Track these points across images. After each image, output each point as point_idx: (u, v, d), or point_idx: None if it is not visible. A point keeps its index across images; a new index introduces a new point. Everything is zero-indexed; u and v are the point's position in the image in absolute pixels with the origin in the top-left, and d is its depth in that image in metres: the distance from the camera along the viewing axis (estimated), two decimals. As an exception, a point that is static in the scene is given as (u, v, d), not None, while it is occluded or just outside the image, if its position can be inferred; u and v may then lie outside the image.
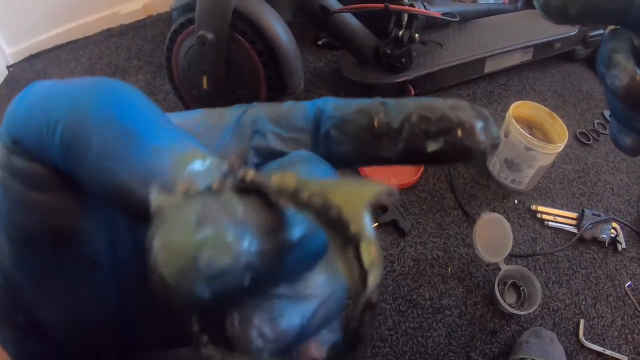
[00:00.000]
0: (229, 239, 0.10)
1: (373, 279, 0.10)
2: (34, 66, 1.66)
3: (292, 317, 0.13)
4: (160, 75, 1.51)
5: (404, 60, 1.27)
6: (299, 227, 0.12)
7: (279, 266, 0.12)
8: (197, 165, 0.12)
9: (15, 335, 0.18)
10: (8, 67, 1.68)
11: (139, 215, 0.12)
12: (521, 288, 0.98)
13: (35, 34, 1.70)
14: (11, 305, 0.17)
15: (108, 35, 1.76)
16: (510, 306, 0.93)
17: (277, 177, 0.11)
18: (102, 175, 0.12)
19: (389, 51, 1.26)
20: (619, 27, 0.23)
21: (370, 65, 1.32)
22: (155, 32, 1.72)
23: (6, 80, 1.63)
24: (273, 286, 0.13)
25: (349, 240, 0.10)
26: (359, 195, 0.10)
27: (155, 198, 0.11)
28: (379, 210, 1.09)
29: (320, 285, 0.14)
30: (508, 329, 0.94)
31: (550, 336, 0.89)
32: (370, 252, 0.10)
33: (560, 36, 1.41)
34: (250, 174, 0.12)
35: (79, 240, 0.16)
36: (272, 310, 0.13)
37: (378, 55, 1.28)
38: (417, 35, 1.25)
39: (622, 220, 1.11)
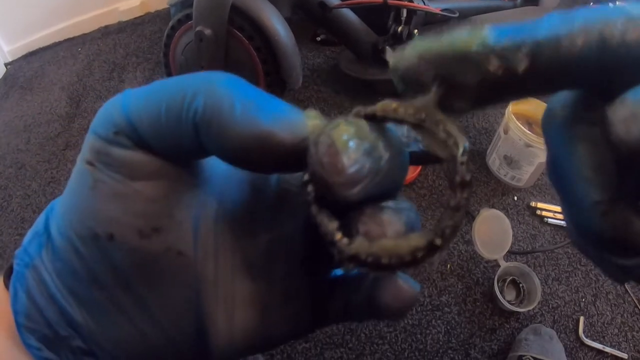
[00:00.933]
0: (381, 152, 0.14)
1: (462, 147, 0.13)
2: (31, 64, 1.66)
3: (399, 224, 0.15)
4: (159, 72, 1.50)
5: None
6: (412, 144, 0.16)
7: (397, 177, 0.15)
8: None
9: None
10: (6, 65, 1.67)
11: (280, 161, 0.14)
12: (520, 285, 0.97)
13: (33, 31, 1.70)
14: (67, 327, 0.18)
15: (106, 33, 1.75)
16: (509, 303, 0.93)
17: (380, 103, 0.14)
18: (248, 125, 0.14)
19: (387, 47, 1.25)
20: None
21: (369, 61, 1.32)
22: (153, 29, 1.71)
23: (4, 77, 1.62)
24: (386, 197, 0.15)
25: (443, 139, 0.13)
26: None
27: (310, 121, 0.14)
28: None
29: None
30: (507, 326, 0.94)
31: (550, 333, 0.88)
32: (459, 138, 0.13)
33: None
34: (361, 108, 0.15)
35: (167, 229, 0.17)
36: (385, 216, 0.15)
37: (377, 51, 1.28)
38: (416, 31, 1.24)
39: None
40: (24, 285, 0.18)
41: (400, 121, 0.14)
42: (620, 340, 0.93)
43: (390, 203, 0.15)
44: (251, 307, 0.19)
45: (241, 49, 1.14)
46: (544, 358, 0.83)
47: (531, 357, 0.83)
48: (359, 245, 0.14)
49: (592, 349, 0.91)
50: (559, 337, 0.90)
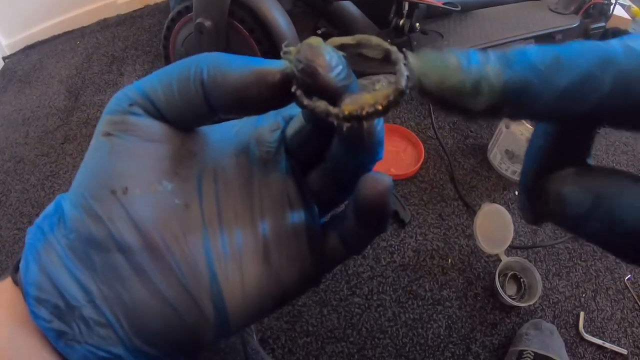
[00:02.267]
0: (340, 54, 0.18)
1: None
2: (30, 57, 1.64)
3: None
4: (158, 64, 1.49)
5: (404, 49, 1.25)
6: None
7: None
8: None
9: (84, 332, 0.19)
10: (4, 59, 1.65)
11: (272, 93, 0.18)
12: (521, 280, 0.97)
13: (31, 24, 1.68)
14: (81, 294, 0.18)
15: (105, 26, 1.73)
16: (510, 298, 0.93)
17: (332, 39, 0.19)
18: (244, 69, 0.18)
19: (389, 40, 1.24)
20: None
21: (371, 54, 1.31)
22: (153, 21, 1.69)
23: (2, 71, 1.60)
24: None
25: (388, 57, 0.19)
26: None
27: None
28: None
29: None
30: (508, 320, 0.94)
31: (550, 328, 0.89)
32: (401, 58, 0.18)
33: (561, 28, 1.39)
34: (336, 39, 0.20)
35: (175, 184, 0.19)
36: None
37: (378, 44, 1.27)
38: (417, 24, 1.23)
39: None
40: (36, 258, 0.19)
41: (342, 46, 0.19)
42: (620, 335, 0.93)
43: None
44: (256, 254, 0.20)
45: (242, 41, 1.13)
46: (544, 353, 0.83)
47: (532, 351, 0.84)
48: (348, 105, 0.17)
49: (592, 344, 0.91)
50: (559, 332, 0.90)
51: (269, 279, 0.20)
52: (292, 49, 0.18)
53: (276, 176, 0.21)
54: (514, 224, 0.96)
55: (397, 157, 1.20)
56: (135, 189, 0.19)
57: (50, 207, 0.20)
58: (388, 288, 0.97)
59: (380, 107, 0.17)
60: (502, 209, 0.97)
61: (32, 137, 1.34)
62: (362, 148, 0.20)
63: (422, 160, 1.17)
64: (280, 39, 1.12)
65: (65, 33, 1.71)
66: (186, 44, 1.17)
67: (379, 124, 0.20)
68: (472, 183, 1.16)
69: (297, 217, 0.21)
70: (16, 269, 0.20)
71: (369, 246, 1.02)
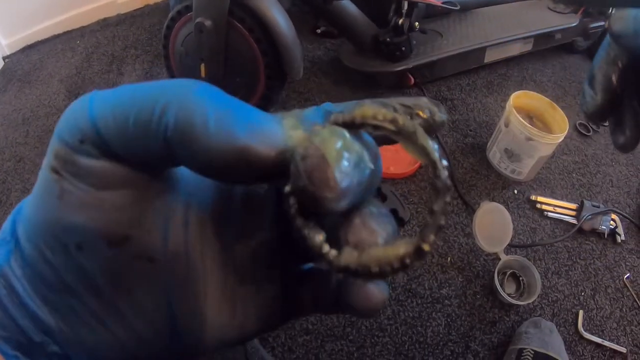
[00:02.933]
0: (367, 162, 0.14)
1: (440, 162, 0.14)
2: (30, 57, 1.64)
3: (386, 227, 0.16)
4: (158, 64, 1.49)
5: (403, 48, 1.25)
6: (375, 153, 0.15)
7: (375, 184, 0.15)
8: (304, 118, 0.16)
9: None
10: (4, 58, 1.65)
11: (258, 174, 0.14)
12: (520, 278, 0.97)
13: (31, 24, 1.68)
14: (41, 334, 0.17)
15: (104, 25, 1.73)
16: (509, 296, 0.93)
17: (359, 110, 0.14)
18: (224, 140, 0.14)
19: (388, 39, 1.24)
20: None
21: (370, 53, 1.31)
22: (153, 21, 1.70)
23: (2, 71, 1.60)
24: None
25: (418, 144, 0.14)
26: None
27: (291, 136, 0.14)
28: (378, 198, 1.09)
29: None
30: (507, 319, 0.94)
31: (550, 327, 0.89)
32: (434, 151, 0.14)
33: (561, 27, 1.40)
34: (339, 115, 0.15)
35: (137, 237, 0.16)
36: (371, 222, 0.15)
37: (377, 43, 1.27)
38: (417, 23, 1.23)
39: (621, 212, 1.11)
40: None
41: (377, 127, 0.14)
42: (619, 334, 0.93)
43: (372, 209, 0.16)
44: (224, 303, 0.19)
45: (241, 40, 1.13)
46: (544, 351, 0.83)
47: (532, 350, 0.84)
48: (349, 256, 0.14)
49: (591, 342, 0.92)
50: (559, 331, 0.90)
51: (232, 329, 0.19)
52: (294, 135, 0.14)
53: (258, 221, 0.19)
54: (513, 222, 0.96)
55: (396, 156, 1.20)
56: (90, 246, 0.16)
57: (5, 230, 0.18)
58: (387, 286, 0.97)
59: (389, 269, 0.13)
60: (501, 207, 0.97)
61: (32, 136, 1.34)
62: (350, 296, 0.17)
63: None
64: (279, 39, 1.12)
65: (65, 33, 1.70)
66: (186, 43, 1.17)
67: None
68: (471, 182, 1.16)
69: (271, 277, 0.20)
70: None
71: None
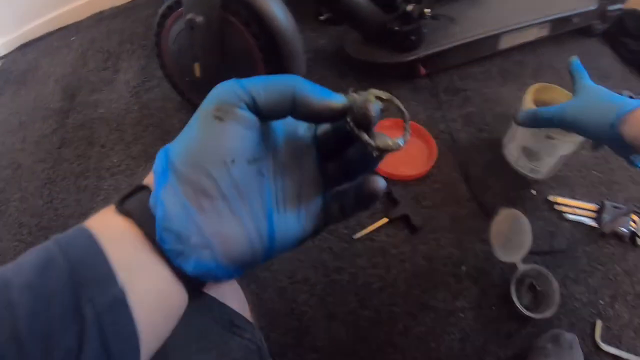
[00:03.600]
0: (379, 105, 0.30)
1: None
2: (26, 56, 1.59)
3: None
4: (154, 59, 1.40)
5: (413, 37, 1.17)
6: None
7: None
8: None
9: None
10: (0, 59, 1.60)
11: (334, 116, 0.29)
12: (538, 288, 0.93)
13: (26, 22, 1.63)
14: (192, 226, 0.28)
15: (100, 19, 1.66)
16: (526, 308, 0.89)
17: (371, 92, 0.30)
18: (321, 102, 0.28)
19: (397, 27, 1.16)
20: None
21: (377, 43, 1.22)
22: (149, 11, 1.61)
23: None
24: None
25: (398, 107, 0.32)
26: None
27: (346, 97, 0.29)
28: (389, 204, 1.04)
29: None
30: (524, 331, 0.90)
31: (570, 341, 0.85)
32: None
33: (578, 11, 1.29)
34: (373, 91, 0.30)
35: (260, 160, 0.29)
36: None
37: (385, 32, 1.18)
38: (427, 10, 1.14)
39: (643, 212, 1.04)
40: (161, 199, 0.28)
41: (381, 99, 0.30)
42: (637, 344, 0.89)
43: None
44: (294, 211, 0.31)
45: (237, 36, 1.05)
46: (562, 370, 0.80)
47: (549, 368, 0.80)
48: (379, 143, 0.29)
49: (608, 354, 0.88)
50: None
51: (297, 227, 0.32)
52: (354, 95, 0.29)
53: (309, 159, 0.33)
54: (531, 226, 0.91)
55: (407, 155, 1.13)
56: (239, 161, 0.28)
57: (158, 166, 0.29)
58: (399, 299, 0.94)
59: (394, 149, 0.29)
60: (520, 214, 0.92)
61: (29, 141, 1.30)
62: (374, 162, 0.33)
63: (434, 157, 1.11)
64: (278, 32, 1.04)
65: (60, 29, 1.64)
66: (178, 41, 1.09)
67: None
68: (487, 182, 1.10)
69: (319, 195, 0.33)
70: (121, 203, 0.29)
71: (379, 255, 0.98)
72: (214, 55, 1.06)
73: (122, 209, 0.29)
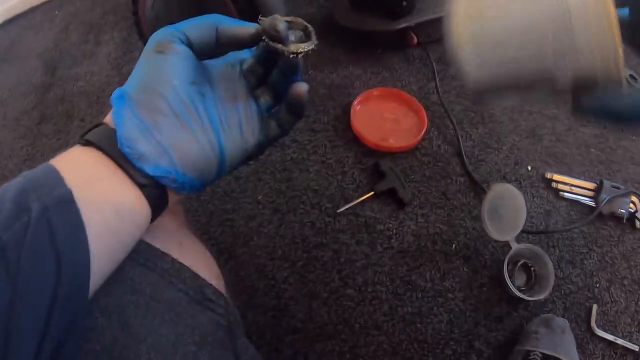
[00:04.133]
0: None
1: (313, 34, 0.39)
2: (9, 32, 1.54)
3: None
4: (135, 32, 1.37)
5: (404, 3, 1.10)
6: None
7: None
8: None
9: None
10: (-16, 35, 1.55)
11: (252, 41, 0.36)
12: (532, 269, 0.88)
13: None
14: (152, 138, 0.34)
15: (83, -9, 1.60)
16: (519, 289, 0.84)
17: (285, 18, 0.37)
18: (241, 30, 0.36)
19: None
20: None
21: (367, 10, 1.16)
22: (132, -19, 1.55)
23: (-18, 49, 1.51)
24: None
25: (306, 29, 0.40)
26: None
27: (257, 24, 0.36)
28: (376, 176, 0.99)
29: None
30: (515, 314, 0.86)
31: (562, 325, 0.80)
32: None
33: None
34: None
35: (199, 83, 0.36)
36: None
37: (375, -1, 1.11)
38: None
39: (642, 194, 0.98)
40: (121, 117, 0.32)
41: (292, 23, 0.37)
42: (633, 330, 0.85)
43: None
44: (236, 126, 0.38)
45: (216, 2, 1.00)
46: (553, 354, 0.75)
47: (540, 352, 0.76)
48: (292, 48, 0.35)
49: (603, 340, 0.83)
50: (570, 327, 0.81)
51: (242, 142, 0.38)
52: (264, 19, 0.35)
53: (241, 86, 0.39)
54: (526, 204, 0.85)
55: (396, 126, 1.08)
56: (182, 82, 0.33)
57: (117, 92, 0.33)
58: (384, 278, 0.89)
59: (305, 51, 0.36)
60: (515, 190, 0.86)
61: (9, 118, 1.26)
62: (294, 71, 0.39)
63: (424, 130, 1.05)
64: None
65: (44, 3, 1.59)
66: (156, 6, 1.04)
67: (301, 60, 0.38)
68: (480, 156, 1.04)
69: (255, 108, 0.40)
70: (81, 137, 0.34)
71: (364, 230, 0.93)
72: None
73: (82, 141, 0.33)
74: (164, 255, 0.38)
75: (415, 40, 1.16)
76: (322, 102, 1.14)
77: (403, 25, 1.12)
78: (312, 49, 0.36)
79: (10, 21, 1.58)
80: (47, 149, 1.16)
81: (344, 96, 1.14)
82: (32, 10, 1.59)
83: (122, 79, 1.25)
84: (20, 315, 0.26)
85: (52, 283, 0.27)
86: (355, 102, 1.09)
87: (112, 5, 1.49)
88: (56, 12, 1.55)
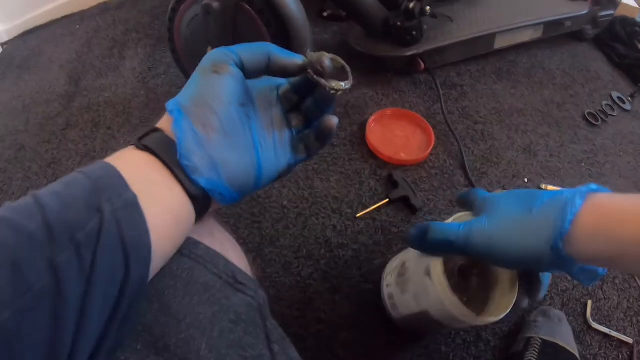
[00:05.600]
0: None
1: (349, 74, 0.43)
2: (28, 43, 1.59)
3: None
4: (160, 48, 1.45)
5: (414, 33, 1.23)
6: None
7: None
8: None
9: None
10: (2, 45, 1.60)
11: (297, 71, 0.40)
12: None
13: (30, 9, 1.64)
14: (203, 151, 0.37)
15: (105, 9, 1.68)
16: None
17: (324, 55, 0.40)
18: (289, 60, 0.39)
19: (399, 23, 1.22)
20: None
21: (380, 37, 1.28)
22: (154, 4, 1.65)
23: (0, 58, 1.56)
24: None
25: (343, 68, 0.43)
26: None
27: (303, 57, 0.40)
28: (390, 186, 1.08)
29: None
30: (517, 307, 0.94)
31: (559, 316, 0.89)
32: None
33: (571, 15, 1.37)
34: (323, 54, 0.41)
35: (245, 104, 0.39)
36: None
37: (388, 27, 1.24)
38: (428, 7, 1.20)
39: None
40: (181, 129, 0.35)
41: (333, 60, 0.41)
42: (626, 325, 0.94)
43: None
44: (272, 149, 0.41)
45: (250, 22, 1.10)
46: (552, 340, 0.84)
47: (540, 338, 0.84)
48: (334, 85, 0.39)
49: (599, 332, 0.92)
50: (568, 320, 0.90)
51: (275, 160, 0.41)
52: (311, 53, 0.39)
53: (277, 109, 0.43)
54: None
55: (406, 142, 1.19)
56: (234, 103, 0.37)
57: (174, 104, 0.36)
58: (399, 276, 0.97)
59: (344, 89, 0.40)
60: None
61: (32, 124, 1.31)
62: (328, 104, 0.43)
63: (432, 145, 1.16)
64: (289, 20, 1.09)
65: (64, 17, 1.66)
66: (192, 25, 1.13)
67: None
68: (482, 169, 1.16)
69: (288, 132, 0.43)
70: (138, 141, 0.36)
71: (380, 233, 1.02)
72: (227, 40, 1.10)
73: (140, 145, 0.35)
74: (197, 243, 0.40)
75: (423, 66, 1.29)
76: (339, 119, 1.25)
77: (412, 52, 1.24)
78: (349, 89, 0.40)
79: (29, 32, 1.64)
80: (73, 154, 1.21)
81: (358, 115, 1.25)
82: (52, 23, 1.66)
83: (149, 92, 1.32)
84: (92, 309, 0.28)
85: (120, 280, 0.29)
86: (370, 120, 1.20)
87: (135, 24, 1.57)
88: (77, 26, 1.62)
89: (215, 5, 1.04)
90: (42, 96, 1.38)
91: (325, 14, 1.48)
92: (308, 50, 0.40)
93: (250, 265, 0.52)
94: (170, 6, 1.14)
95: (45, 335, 0.25)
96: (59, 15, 1.66)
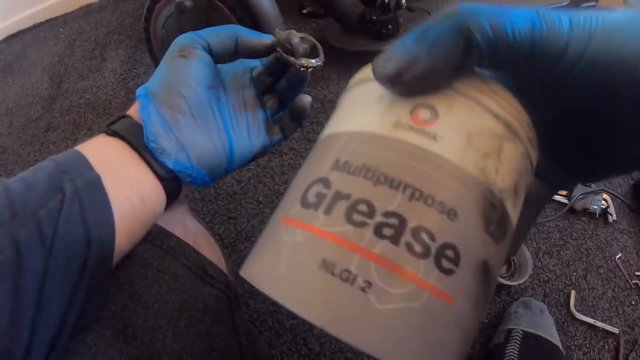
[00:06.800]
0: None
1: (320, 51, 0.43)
2: (12, 47, 1.61)
3: None
4: (141, 49, 1.46)
5: (390, 27, 1.22)
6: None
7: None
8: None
9: None
10: (-16, 48, 1.62)
11: (267, 51, 0.39)
12: (512, 258, 0.96)
13: (13, 13, 1.65)
14: (173, 136, 0.37)
15: (88, 11, 1.70)
16: (500, 277, 0.92)
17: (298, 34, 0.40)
18: (259, 41, 0.39)
19: (375, 18, 1.21)
20: None
21: (357, 33, 1.28)
22: (136, 5, 1.66)
23: (-16, 61, 1.57)
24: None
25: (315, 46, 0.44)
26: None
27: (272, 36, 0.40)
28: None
29: None
30: (498, 299, 0.93)
31: (540, 307, 0.87)
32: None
33: (551, 6, 1.36)
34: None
35: (215, 87, 0.40)
36: None
37: (364, 22, 1.23)
38: (404, 1, 1.20)
39: (613, 192, 1.08)
40: (147, 118, 0.36)
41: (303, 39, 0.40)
42: (612, 314, 0.92)
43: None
44: (245, 129, 0.41)
45: (223, 20, 1.10)
46: (534, 331, 0.82)
47: (521, 330, 0.83)
48: (304, 62, 0.38)
49: (583, 323, 0.90)
50: (550, 311, 0.89)
51: (248, 142, 0.41)
52: (279, 32, 0.38)
53: (249, 91, 0.43)
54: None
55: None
56: (201, 86, 0.37)
57: (143, 90, 0.37)
58: (376, 270, 0.96)
59: (314, 66, 0.39)
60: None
61: (15, 126, 1.32)
62: (301, 82, 0.43)
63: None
64: (262, 18, 1.09)
65: (47, 20, 1.68)
66: (167, 25, 1.13)
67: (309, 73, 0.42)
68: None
69: (262, 114, 0.43)
70: (107, 127, 0.37)
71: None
72: (200, 37, 1.10)
73: (109, 131, 0.37)
74: (170, 234, 0.40)
75: (401, 59, 1.28)
76: (316, 114, 1.24)
77: (388, 46, 1.24)
78: (320, 65, 0.39)
79: (13, 36, 1.66)
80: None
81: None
82: (36, 26, 1.68)
83: (129, 92, 1.32)
84: (54, 284, 0.28)
85: (81, 257, 0.30)
86: (348, 113, 1.19)
87: (116, 26, 1.58)
88: (60, 29, 1.63)
89: (188, 3, 1.04)
90: (24, 99, 1.39)
91: (304, 11, 1.48)
92: (277, 30, 0.39)
93: (225, 259, 0.52)
94: (146, 6, 1.14)
95: (6, 307, 0.26)
96: (42, 19, 1.67)
